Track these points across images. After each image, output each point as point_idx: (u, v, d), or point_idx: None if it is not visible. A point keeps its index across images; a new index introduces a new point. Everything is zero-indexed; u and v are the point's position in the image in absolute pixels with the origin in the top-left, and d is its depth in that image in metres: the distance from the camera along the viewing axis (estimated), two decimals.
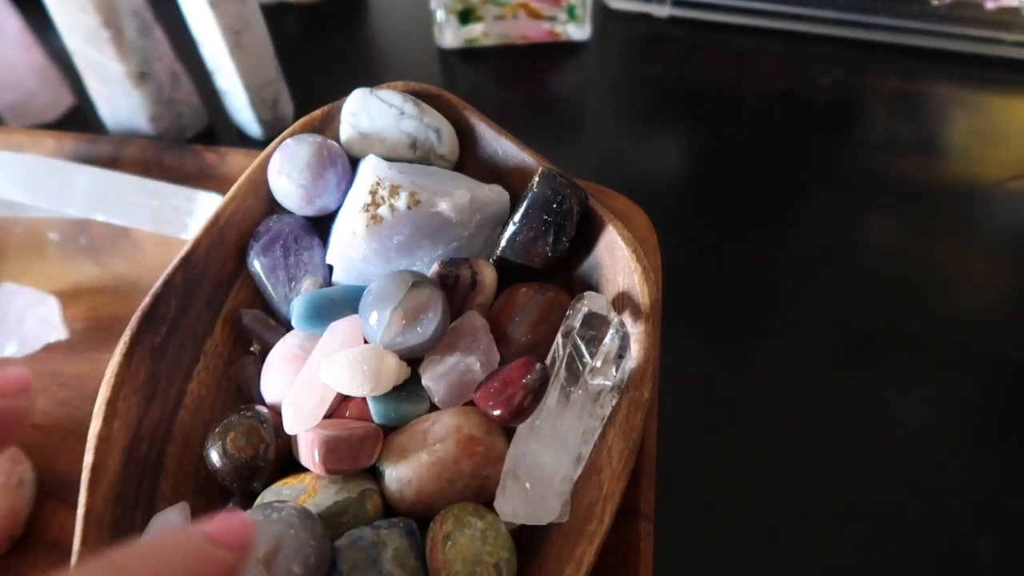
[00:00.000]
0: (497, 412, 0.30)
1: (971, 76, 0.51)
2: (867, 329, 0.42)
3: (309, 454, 0.29)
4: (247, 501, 0.31)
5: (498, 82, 0.54)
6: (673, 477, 0.36)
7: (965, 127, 0.50)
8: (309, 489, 0.30)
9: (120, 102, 0.47)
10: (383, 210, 0.33)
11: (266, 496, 0.30)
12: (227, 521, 0.21)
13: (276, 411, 0.32)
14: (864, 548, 0.36)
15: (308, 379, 0.31)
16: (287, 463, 0.31)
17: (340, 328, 0.32)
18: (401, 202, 0.33)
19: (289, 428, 0.30)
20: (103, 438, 0.30)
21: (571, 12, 0.53)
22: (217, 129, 0.51)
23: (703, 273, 0.44)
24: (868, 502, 0.37)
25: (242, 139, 0.51)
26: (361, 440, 0.30)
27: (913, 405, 0.40)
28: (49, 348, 0.39)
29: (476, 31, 0.54)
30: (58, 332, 0.39)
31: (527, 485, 0.29)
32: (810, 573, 0.36)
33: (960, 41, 0.51)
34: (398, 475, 0.30)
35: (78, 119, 0.52)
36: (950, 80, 0.51)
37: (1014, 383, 0.41)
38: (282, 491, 0.30)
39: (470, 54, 0.55)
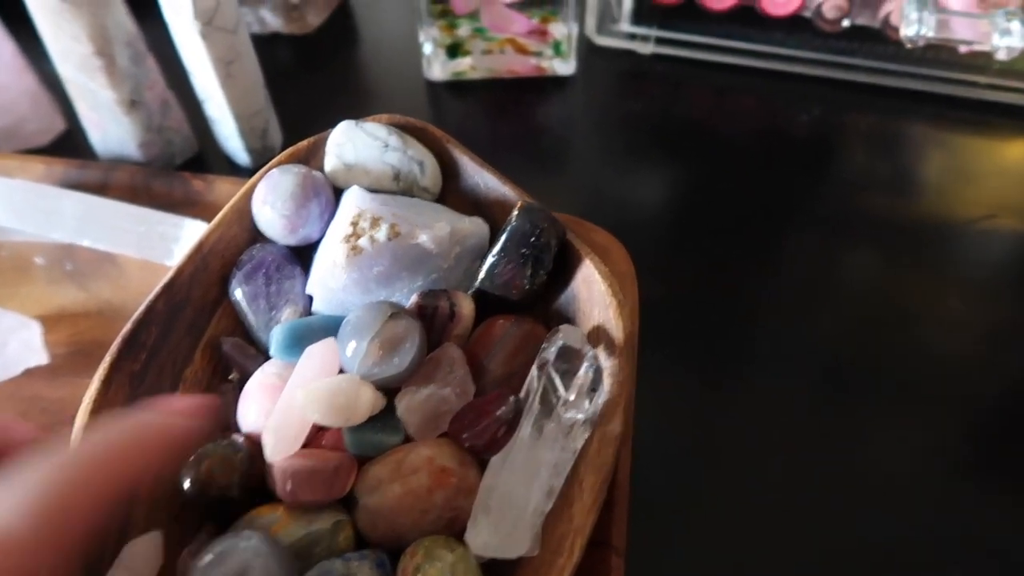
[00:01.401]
0: (470, 444, 0.30)
1: (945, 116, 0.52)
2: (844, 365, 0.43)
3: (282, 485, 0.29)
4: (221, 530, 0.31)
5: (485, 115, 0.55)
6: (649, 510, 0.37)
7: (940, 166, 0.51)
8: (282, 519, 0.30)
9: (110, 128, 0.47)
10: (363, 241, 0.33)
11: (239, 526, 0.30)
12: (180, 400, 0.25)
13: (253, 440, 0.32)
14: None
15: (287, 407, 0.31)
16: (263, 493, 0.32)
17: (317, 353, 0.32)
18: (381, 233, 0.33)
19: (270, 456, 0.30)
20: None
21: (557, 48, 0.54)
22: (206, 156, 0.52)
23: (683, 307, 0.45)
24: (845, 540, 0.38)
25: (231, 167, 0.51)
26: (334, 471, 0.30)
27: (888, 440, 0.40)
28: (30, 373, 0.40)
29: (464, 64, 0.55)
30: (39, 357, 0.40)
31: (498, 517, 0.29)
32: None
33: (935, 83, 0.52)
34: (371, 505, 0.30)
35: (69, 144, 0.53)
36: (925, 120, 0.52)
37: (987, 419, 0.41)
38: (255, 521, 0.30)
39: (458, 87, 0.56)
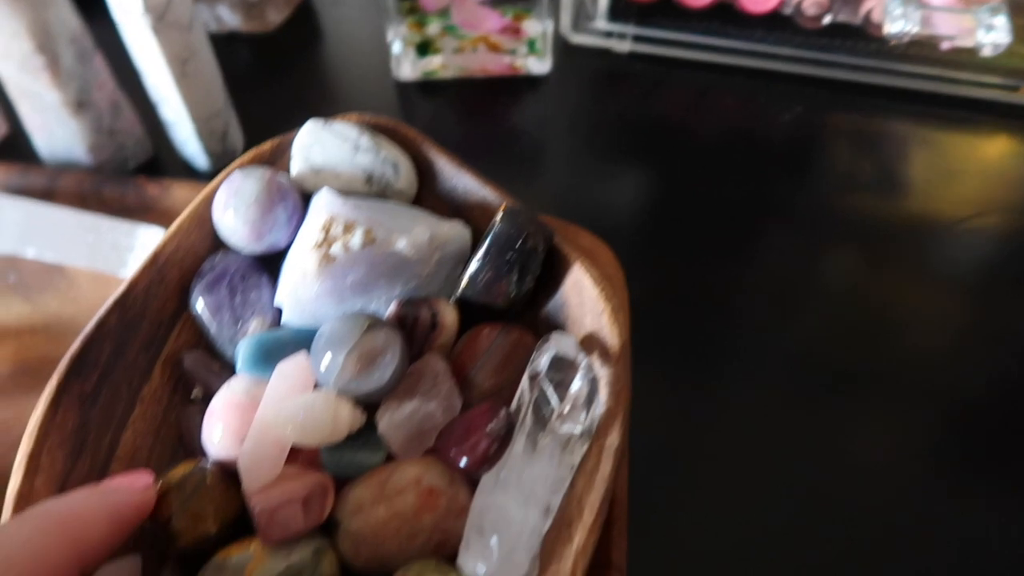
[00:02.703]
0: (461, 462, 0.28)
1: (928, 114, 0.52)
2: (827, 364, 0.42)
3: (255, 523, 0.27)
4: (187, 570, 0.28)
5: (457, 115, 0.53)
6: (637, 516, 0.35)
7: (923, 165, 0.50)
8: (256, 557, 0.27)
9: (57, 132, 0.44)
10: (336, 248, 0.31)
11: (207, 572, 0.27)
12: (125, 476, 0.27)
13: (220, 464, 0.30)
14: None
15: (261, 431, 0.28)
16: (240, 524, 0.29)
17: (289, 371, 0.30)
18: (356, 240, 0.31)
19: (248, 486, 0.28)
20: (23, 496, 0.28)
21: (531, 46, 0.52)
22: (162, 160, 0.49)
23: (663, 308, 0.44)
24: (835, 539, 0.37)
25: (189, 171, 0.48)
26: (306, 500, 0.27)
27: (871, 440, 0.40)
28: None
29: (435, 63, 0.53)
30: None
31: (493, 540, 0.27)
32: None
33: (917, 80, 0.51)
34: (354, 530, 0.28)
35: (11, 148, 0.49)
36: (908, 117, 0.52)
37: (971, 416, 0.41)
38: (226, 563, 0.27)
39: (428, 86, 0.54)
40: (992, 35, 0.43)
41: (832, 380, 0.41)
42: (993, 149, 0.50)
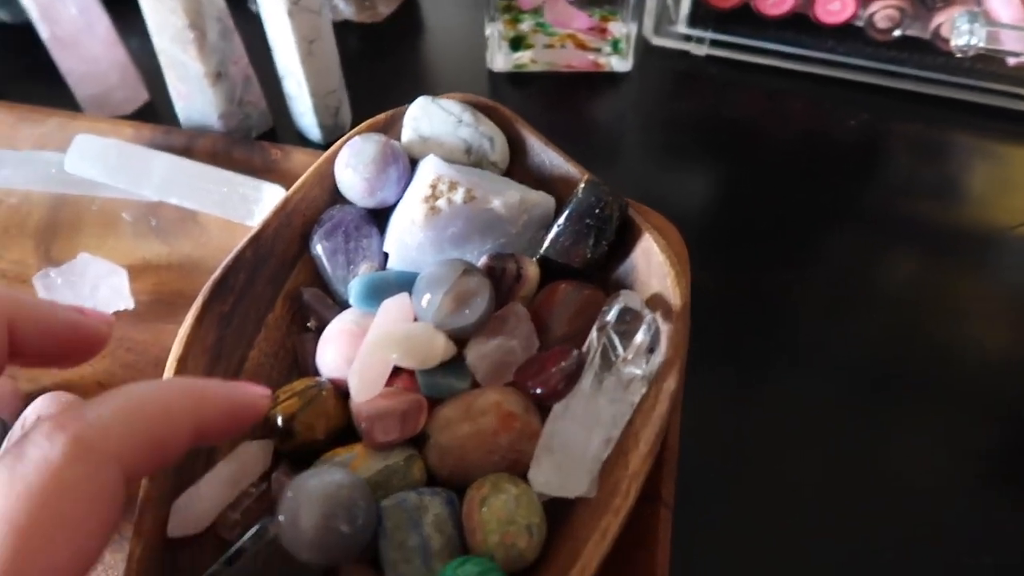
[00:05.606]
0: (535, 391, 0.32)
1: (990, 127, 0.54)
2: (880, 368, 0.44)
3: (361, 426, 0.32)
4: (298, 467, 0.33)
5: (543, 105, 0.58)
6: (692, 476, 0.38)
7: (982, 175, 0.52)
8: (359, 456, 0.32)
9: (196, 99, 0.50)
10: (441, 202, 0.36)
11: (319, 464, 0.32)
12: (249, 383, 0.28)
13: (334, 382, 0.35)
14: (869, 563, 0.38)
15: (370, 352, 0.33)
16: (345, 433, 0.34)
17: (393, 306, 0.35)
18: (458, 196, 0.36)
19: (356, 396, 0.33)
20: None
21: (615, 45, 0.57)
22: (279, 131, 0.55)
23: (724, 301, 0.46)
24: (879, 543, 0.39)
25: (302, 142, 0.54)
26: (404, 414, 0.32)
27: (921, 448, 0.41)
28: (117, 315, 0.42)
29: (525, 57, 0.58)
30: (126, 302, 0.42)
31: (560, 459, 0.31)
32: None
33: (981, 94, 0.54)
34: (441, 443, 0.32)
35: (150, 114, 0.56)
36: (970, 130, 0.54)
37: (1021, 423, 0.42)
38: (334, 460, 0.32)
39: (518, 78, 0.59)
40: None
41: (886, 378, 0.43)
42: None
